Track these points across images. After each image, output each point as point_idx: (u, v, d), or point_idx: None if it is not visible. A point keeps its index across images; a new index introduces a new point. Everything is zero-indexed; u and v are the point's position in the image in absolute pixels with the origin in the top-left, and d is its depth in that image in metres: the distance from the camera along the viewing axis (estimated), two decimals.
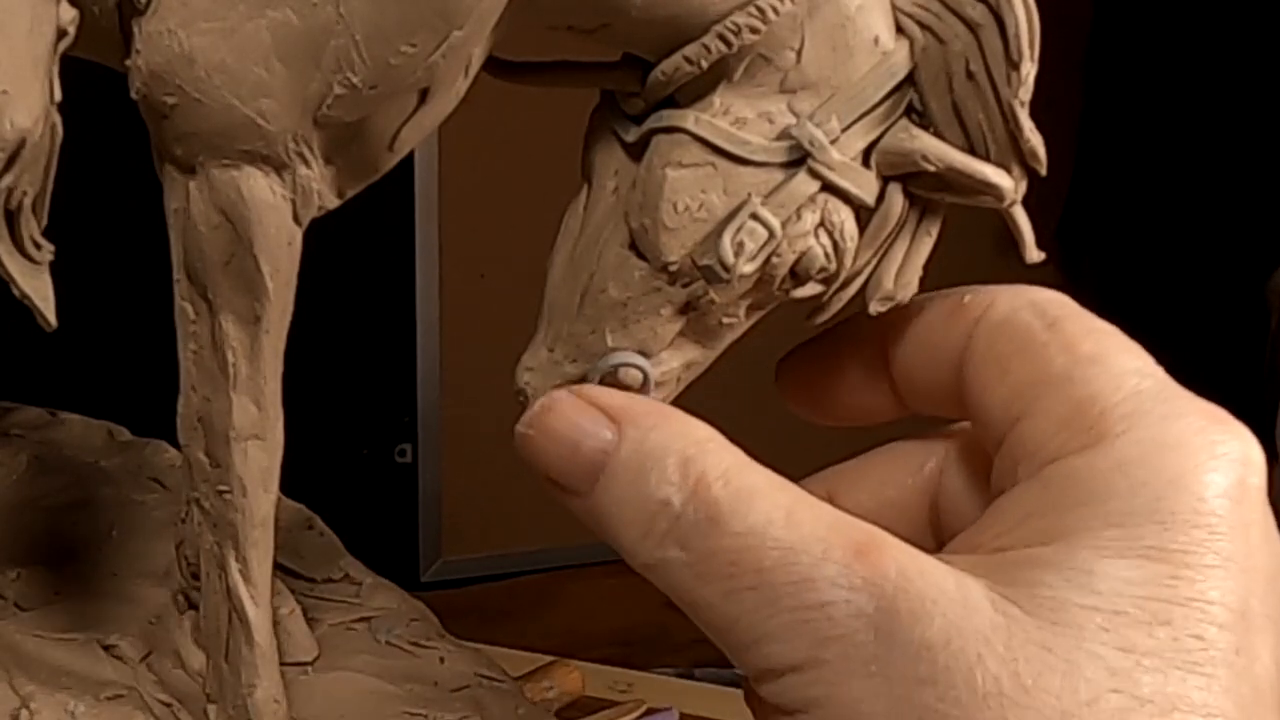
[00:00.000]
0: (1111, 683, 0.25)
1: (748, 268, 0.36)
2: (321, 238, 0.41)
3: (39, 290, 0.37)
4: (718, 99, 0.37)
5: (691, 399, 0.38)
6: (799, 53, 0.36)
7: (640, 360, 0.38)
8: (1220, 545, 0.26)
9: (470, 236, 1.11)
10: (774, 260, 0.36)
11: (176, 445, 0.44)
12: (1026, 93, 0.35)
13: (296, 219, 0.39)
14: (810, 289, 0.37)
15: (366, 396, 1.10)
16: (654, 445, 0.28)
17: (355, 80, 0.37)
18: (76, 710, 0.45)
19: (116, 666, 0.47)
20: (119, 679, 0.47)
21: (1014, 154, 0.35)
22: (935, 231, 0.38)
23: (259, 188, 0.39)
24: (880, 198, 0.37)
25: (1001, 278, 0.32)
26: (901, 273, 0.37)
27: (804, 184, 0.36)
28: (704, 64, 0.36)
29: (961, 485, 0.33)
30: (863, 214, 0.37)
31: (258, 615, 0.44)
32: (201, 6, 0.36)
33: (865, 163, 0.36)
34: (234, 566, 0.43)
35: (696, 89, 0.37)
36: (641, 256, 0.37)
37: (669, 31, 0.37)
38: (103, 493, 0.57)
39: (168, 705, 0.46)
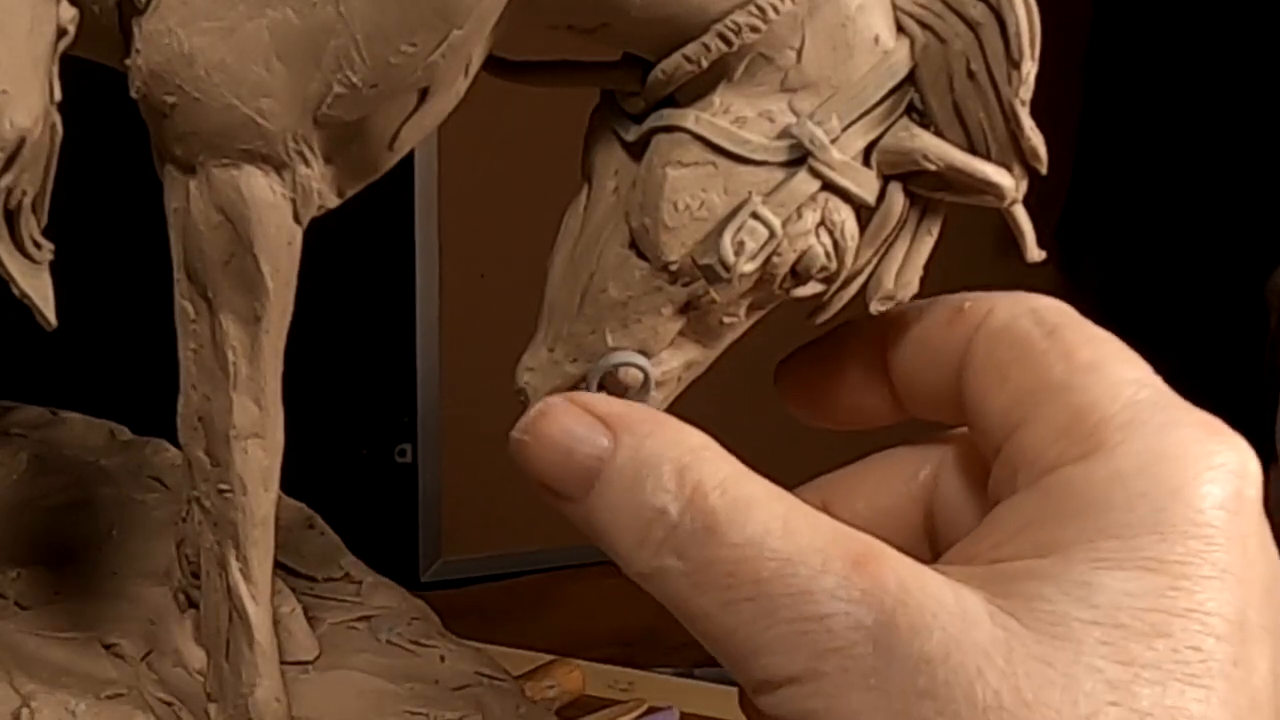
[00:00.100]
0: (1111, 696, 0.25)
1: (748, 267, 0.36)
2: (321, 238, 0.41)
3: (39, 290, 0.37)
4: (718, 98, 0.37)
5: (691, 399, 0.38)
6: (799, 52, 0.36)
7: (641, 360, 0.38)
8: (1217, 556, 0.26)
9: (470, 236, 1.11)
10: (775, 259, 0.36)
11: (177, 444, 0.44)
12: (1027, 92, 0.35)
13: (296, 218, 0.40)
14: (811, 288, 0.37)
15: (366, 396, 1.10)
16: (650, 452, 0.28)
17: (355, 79, 0.37)
18: (77, 709, 0.45)
19: (117, 665, 0.47)
20: (119, 678, 0.47)
21: (1015, 153, 0.35)
22: (936, 231, 0.38)
23: (259, 187, 0.39)
24: (881, 197, 0.37)
25: (1002, 277, 0.32)
26: (902, 272, 0.37)
27: (804, 183, 0.36)
28: (704, 63, 0.36)
29: (957, 493, 0.32)
30: (863, 213, 0.37)
31: (258, 614, 0.44)
32: (201, 6, 0.36)
33: (866, 162, 0.36)
34: (234, 565, 0.43)
35: (697, 88, 0.37)
36: (642, 256, 0.37)
37: (669, 31, 0.37)
38: (103, 492, 0.57)
39: (168, 704, 0.46)
